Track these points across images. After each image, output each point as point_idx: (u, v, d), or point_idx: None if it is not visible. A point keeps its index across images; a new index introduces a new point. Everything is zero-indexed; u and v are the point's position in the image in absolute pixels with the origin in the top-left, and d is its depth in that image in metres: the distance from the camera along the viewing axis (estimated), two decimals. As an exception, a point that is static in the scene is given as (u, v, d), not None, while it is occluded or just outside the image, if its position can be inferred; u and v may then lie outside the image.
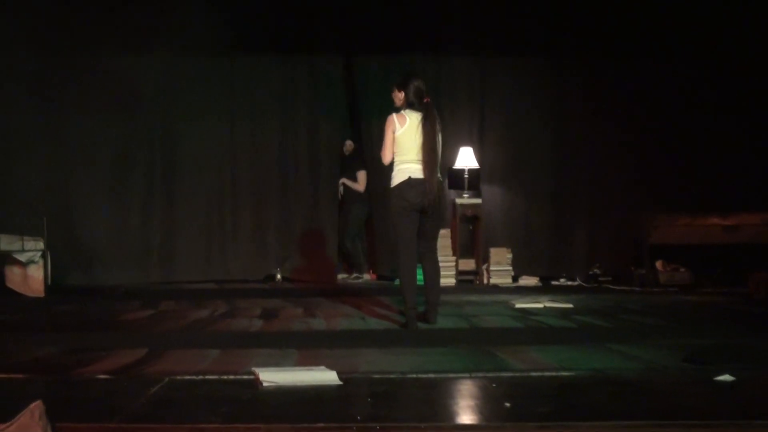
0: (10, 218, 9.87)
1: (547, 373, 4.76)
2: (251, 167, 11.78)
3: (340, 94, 11.84)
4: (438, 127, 7.13)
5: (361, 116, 11.88)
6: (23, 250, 9.69)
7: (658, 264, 10.64)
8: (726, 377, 4.47)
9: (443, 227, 9.35)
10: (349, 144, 11.80)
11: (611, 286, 10.75)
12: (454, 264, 11.23)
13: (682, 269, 10.57)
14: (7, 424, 3.31)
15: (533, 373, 4.77)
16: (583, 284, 11.12)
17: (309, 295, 9.72)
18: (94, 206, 11.29)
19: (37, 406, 3.37)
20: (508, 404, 3.93)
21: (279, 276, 11.58)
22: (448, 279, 11.09)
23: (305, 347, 5.68)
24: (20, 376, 4.69)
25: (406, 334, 6.57)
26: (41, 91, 10.72)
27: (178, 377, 4.59)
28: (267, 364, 4.86)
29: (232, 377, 4.60)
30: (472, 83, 11.97)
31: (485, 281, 11.26)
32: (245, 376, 4.56)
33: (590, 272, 11.46)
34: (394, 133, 6.98)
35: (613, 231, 11.47)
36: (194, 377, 4.61)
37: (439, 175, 7.10)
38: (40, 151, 10.89)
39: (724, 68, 11.17)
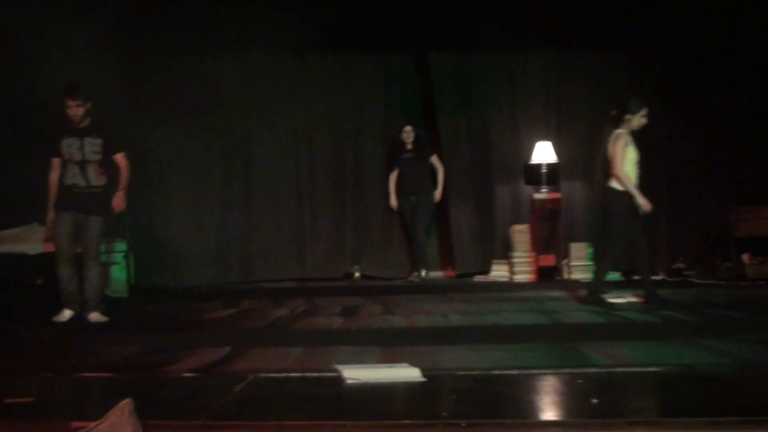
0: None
1: (634, 369, 4.71)
2: (328, 165, 11.82)
3: (413, 91, 11.83)
4: None
5: (435, 111, 11.80)
6: (107, 251, 9.83)
7: (745, 257, 10.39)
8: None
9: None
10: (409, 130, 11.06)
11: (695, 280, 10.57)
12: (533, 260, 11.14)
13: (770, 262, 10.34)
14: (99, 421, 3.37)
15: (619, 369, 4.72)
16: (667, 278, 10.93)
17: (388, 292, 9.75)
18: (175, 207, 11.46)
19: (127, 404, 3.41)
20: (595, 400, 3.88)
21: (357, 273, 11.62)
22: (527, 275, 11.04)
23: (387, 344, 5.69)
24: (109, 374, 4.78)
25: (488, 331, 6.51)
26: (122, 94, 10.87)
27: (262, 375, 4.63)
28: (349, 361, 4.88)
29: (315, 375, 4.62)
30: (548, 77, 11.86)
31: (566, 277, 11.15)
32: (329, 374, 4.58)
33: (673, 266, 11.28)
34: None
35: (697, 224, 11.27)
36: (278, 375, 4.65)
37: None
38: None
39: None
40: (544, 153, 11.32)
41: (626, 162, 7.70)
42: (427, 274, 11.21)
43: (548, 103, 11.87)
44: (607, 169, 7.78)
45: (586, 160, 11.60)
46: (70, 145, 7.45)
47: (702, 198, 11.15)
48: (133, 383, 4.48)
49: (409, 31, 11.37)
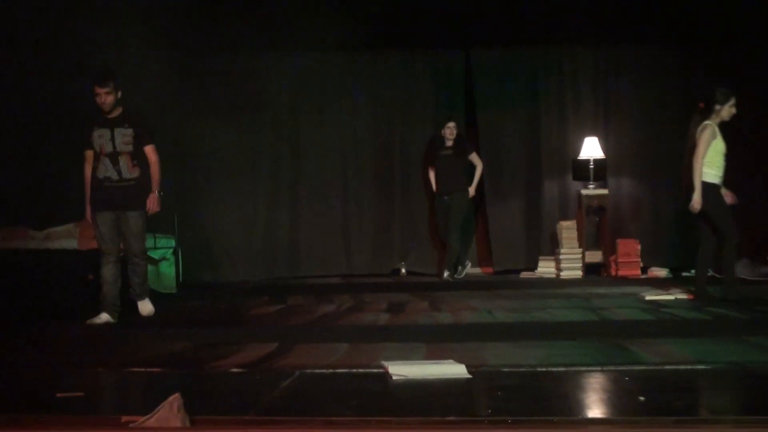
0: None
1: (682, 366, 4.65)
2: (374, 162, 11.89)
3: (459, 86, 11.83)
4: None
5: (475, 107, 11.80)
6: (156, 248, 9.93)
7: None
8: None
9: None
10: (452, 126, 10.81)
11: (744, 277, 10.43)
12: (580, 256, 11.09)
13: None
14: (148, 416, 3.41)
15: (667, 366, 4.66)
16: (715, 275, 10.80)
17: (434, 288, 9.74)
18: (223, 203, 11.57)
19: (175, 399, 3.45)
20: (642, 398, 3.86)
21: (404, 270, 11.63)
22: (574, 271, 10.99)
23: (433, 341, 5.69)
24: (158, 369, 4.84)
25: (534, 327, 6.50)
26: (172, 93, 10.95)
27: (309, 371, 4.65)
28: (395, 357, 4.88)
29: (361, 371, 4.64)
30: (596, 72, 11.80)
31: (613, 273, 11.08)
32: (375, 370, 4.59)
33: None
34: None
35: (746, 220, 11.14)
36: (324, 371, 4.67)
37: None
38: (170, 153, 11.11)
39: None
40: (591, 149, 11.26)
41: (715, 153, 7.64)
42: (460, 272, 10.92)
43: (596, 98, 11.80)
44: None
45: (633, 156, 11.58)
46: (101, 137, 7.17)
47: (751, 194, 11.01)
48: (182, 378, 4.53)
49: (455, 27, 11.35)
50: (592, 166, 11.25)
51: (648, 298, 8.26)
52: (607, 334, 5.94)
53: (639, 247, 11.11)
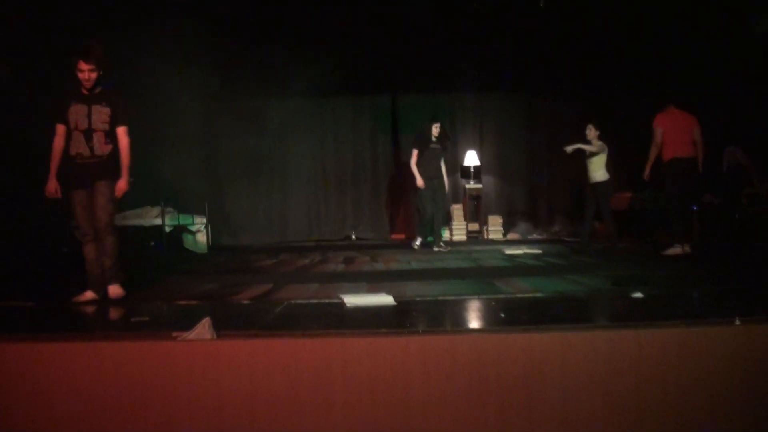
0: (186, 204, 10.02)
1: (527, 295, 4.74)
2: (335, 165, 11.80)
3: (388, 119, 11.82)
4: None
5: (398, 132, 11.78)
6: (194, 223, 9.84)
7: (597, 224, 10.26)
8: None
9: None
10: (438, 125, 8.86)
11: (566, 239, 10.61)
12: (465, 226, 11.19)
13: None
14: (188, 332, 3.41)
15: (518, 295, 4.75)
16: (547, 239, 10.96)
17: (372, 248, 9.74)
18: (236, 193, 11.44)
19: (207, 320, 3.46)
20: (502, 314, 3.93)
21: (353, 236, 11.63)
22: (461, 236, 11.08)
23: (372, 281, 5.70)
24: (194, 302, 4.80)
25: (436, 272, 6.52)
26: (206, 122, 10.78)
27: (293, 302, 4.65)
28: (348, 291, 4.90)
29: (326, 301, 4.64)
30: (475, 111, 11.92)
31: (485, 237, 11.21)
32: (335, 300, 4.60)
33: (552, 229, 11.38)
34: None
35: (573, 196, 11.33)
36: (303, 301, 4.66)
37: None
38: (203, 161, 11.01)
39: None
40: (472, 158, 11.35)
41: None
42: (438, 242, 9.03)
43: (475, 126, 11.90)
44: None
45: (497, 163, 11.70)
46: (76, 112, 4.81)
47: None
48: (211, 307, 4.49)
49: (387, 80, 11.35)
50: (472, 170, 11.36)
51: (507, 252, 8.37)
52: (481, 275, 6.01)
53: (501, 220, 11.28)
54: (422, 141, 8.80)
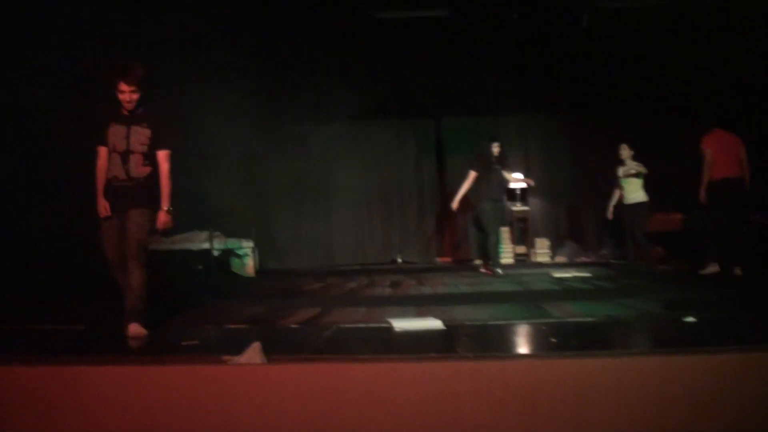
0: (233, 228, 10.12)
1: (577, 319, 4.65)
2: (379, 189, 11.82)
3: (432, 142, 11.82)
4: None
5: (443, 155, 11.80)
6: (241, 247, 9.94)
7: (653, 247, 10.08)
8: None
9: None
10: (497, 145, 8.54)
11: (613, 261, 10.36)
12: (512, 249, 11.08)
13: None
14: (239, 356, 3.42)
15: (569, 319, 4.67)
16: (595, 261, 10.75)
17: (419, 271, 9.69)
18: (282, 217, 11.53)
19: (257, 344, 3.46)
20: (553, 339, 3.86)
21: (399, 259, 11.60)
22: (508, 259, 10.96)
23: (420, 305, 5.67)
24: (244, 326, 4.83)
25: (484, 295, 6.46)
26: (252, 147, 10.89)
27: (342, 325, 4.65)
28: (396, 315, 4.89)
29: (374, 325, 4.63)
30: (519, 133, 11.84)
31: (532, 260, 11.06)
32: (383, 324, 4.58)
33: (600, 252, 11.18)
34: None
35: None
36: (352, 325, 4.66)
37: None
38: (249, 186, 11.13)
39: None
40: (518, 182, 11.25)
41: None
42: (493, 268, 8.55)
43: (520, 149, 11.79)
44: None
45: (544, 187, 11.53)
46: (115, 134, 4.52)
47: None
48: (260, 331, 4.52)
49: (430, 103, 11.39)
50: (518, 192, 11.26)
51: (556, 275, 8.23)
52: (529, 299, 5.92)
53: (549, 243, 11.12)
54: (482, 162, 8.35)
